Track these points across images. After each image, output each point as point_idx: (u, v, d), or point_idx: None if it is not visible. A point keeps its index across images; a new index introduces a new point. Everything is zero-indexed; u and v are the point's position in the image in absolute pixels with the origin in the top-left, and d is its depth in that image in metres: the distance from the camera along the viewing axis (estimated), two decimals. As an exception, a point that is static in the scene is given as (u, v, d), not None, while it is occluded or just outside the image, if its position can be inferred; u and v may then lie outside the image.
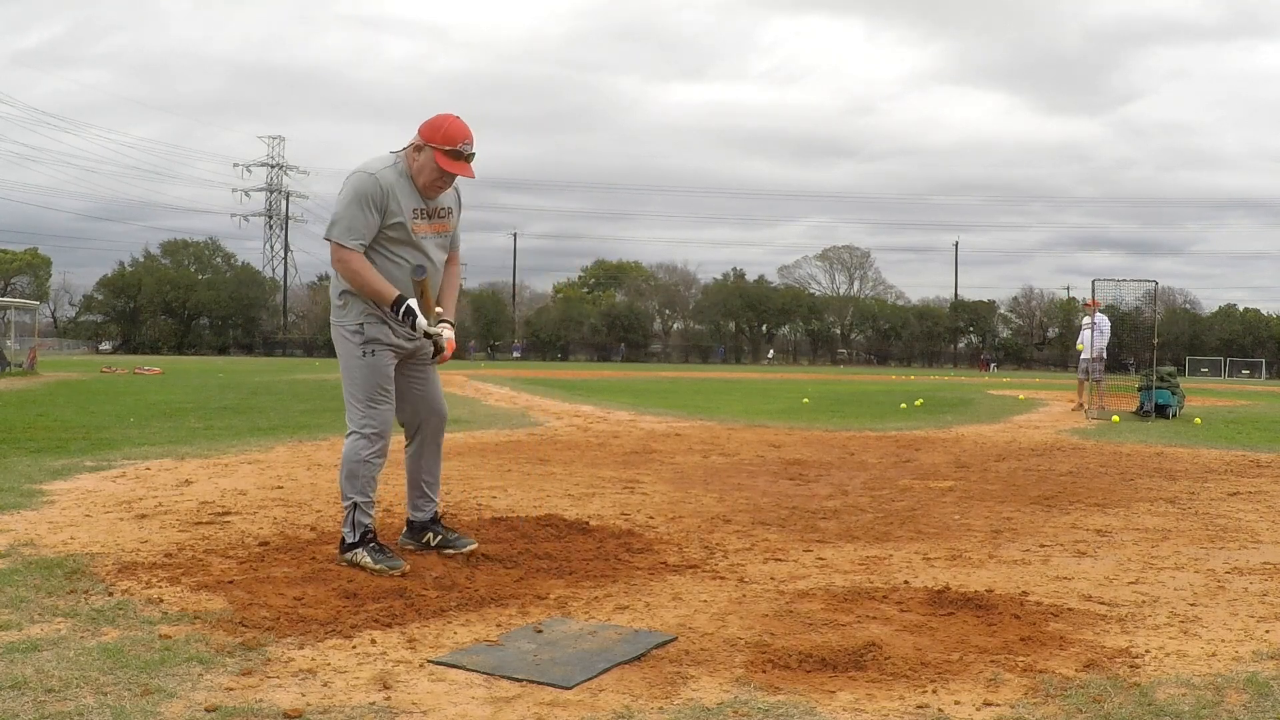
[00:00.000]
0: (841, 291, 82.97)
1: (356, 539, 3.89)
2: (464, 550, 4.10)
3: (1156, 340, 16.58)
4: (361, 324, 3.89)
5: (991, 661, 2.92)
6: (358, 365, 3.90)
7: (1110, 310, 16.82)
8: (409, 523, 4.25)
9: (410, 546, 4.21)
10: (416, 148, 3.86)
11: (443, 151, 3.81)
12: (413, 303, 3.79)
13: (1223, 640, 3.17)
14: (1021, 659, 2.94)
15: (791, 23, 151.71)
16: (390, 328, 3.91)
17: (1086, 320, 15.48)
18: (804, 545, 4.65)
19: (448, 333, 3.94)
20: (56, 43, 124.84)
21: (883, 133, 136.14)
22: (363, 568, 3.80)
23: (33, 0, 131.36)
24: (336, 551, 4.23)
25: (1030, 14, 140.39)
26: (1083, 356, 15.56)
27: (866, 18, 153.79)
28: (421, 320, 3.80)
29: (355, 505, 3.90)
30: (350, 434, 3.94)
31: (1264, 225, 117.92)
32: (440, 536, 4.17)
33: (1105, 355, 15.29)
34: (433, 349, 3.95)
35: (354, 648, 2.98)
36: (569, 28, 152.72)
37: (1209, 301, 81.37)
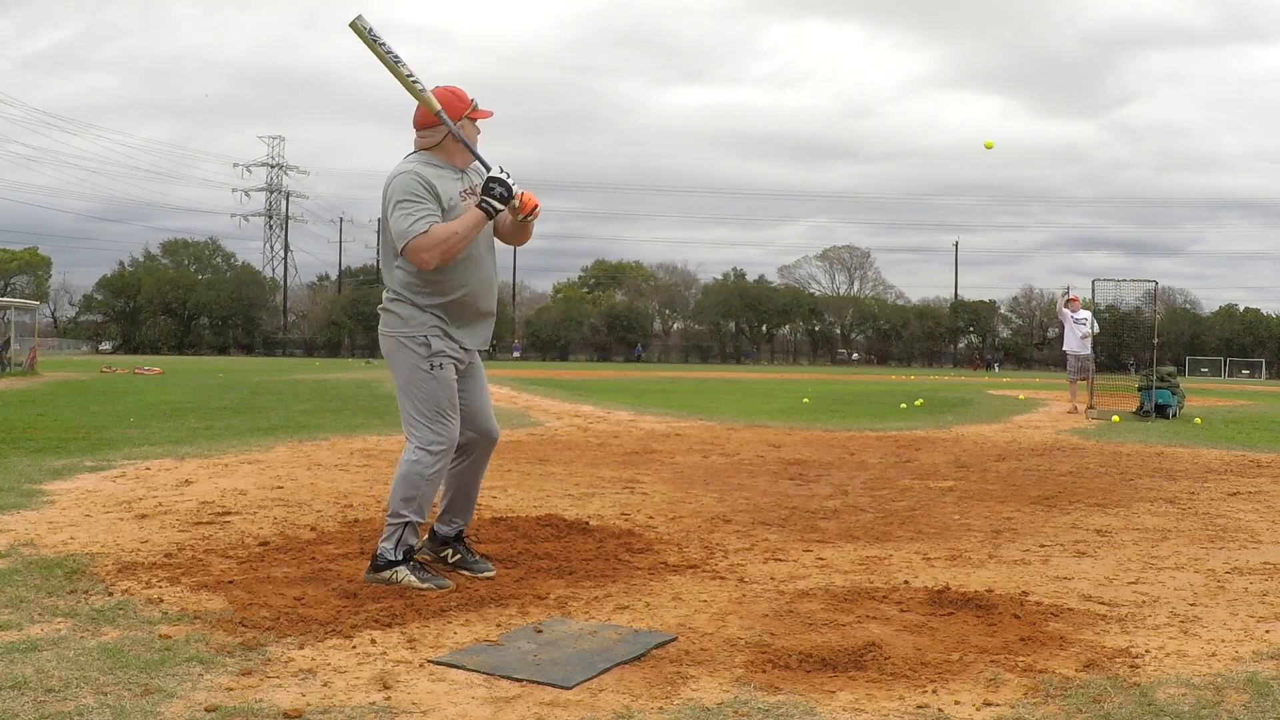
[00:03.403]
0: (841, 291, 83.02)
1: (398, 558, 3.66)
2: (481, 576, 3.85)
3: (1156, 340, 16.54)
4: (427, 336, 3.71)
5: (991, 661, 2.92)
6: (424, 379, 3.70)
7: (1110, 310, 16.76)
8: (431, 533, 4.02)
9: (426, 557, 3.97)
10: (450, 135, 3.75)
11: (473, 112, 3.82)
12: (495, 171, 3.65)
13: (1223, 640, 3.17)
14: (1021, 659, 2.94)
15: (790, 28, 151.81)
16: (454, 340, 3.77)
17: (1078, 316, 15.38)
18: (804, 545, 4.65)
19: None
20: (65, 46, 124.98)
21: (881, 135, 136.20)
22: (404, 587, 3.60)
23: (43, 4, 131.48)
24: (336, 552, 4.23)
25: (1025, 18, 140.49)
26: (1073, 354, 15.51)
27: (864, 23, 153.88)
28: (506, 179, 3.66)
29: (407, 524, 3.68)
30: (415, 449, 3.71)
31: (1261, 226, 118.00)
32: (460, 556, 3.95)
33: (1090, 351, 15.20)
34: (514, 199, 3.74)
35: (354, 648, 2.98)
36: (571, 32, 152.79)
37: (1208, 302, 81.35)
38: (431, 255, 3.60)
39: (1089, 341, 15.10)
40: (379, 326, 3.85)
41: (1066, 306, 15.70)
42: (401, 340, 3.74)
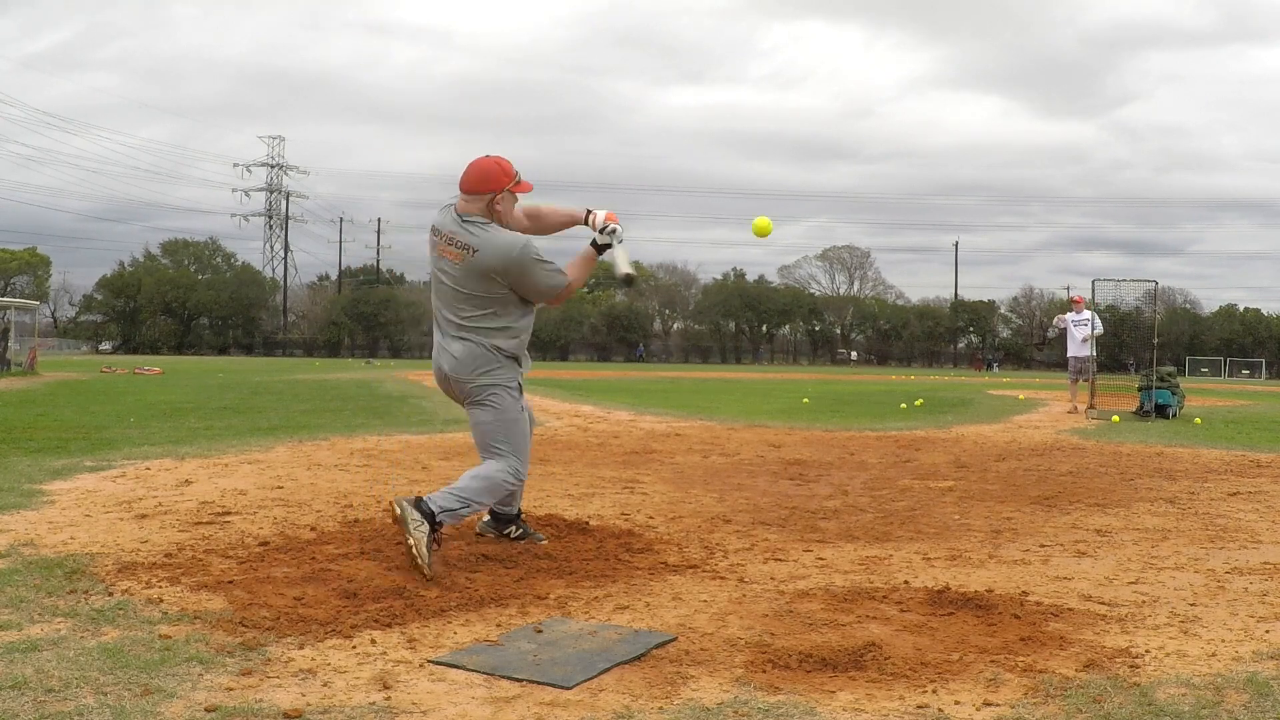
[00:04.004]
0: (841, 291, 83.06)
1: (436, 523, 3.83)
2: (539, 543, 4.42)
3: (1156, 340, 16.53)
4: (519, 382, 4.20)
5: (991, 661, 2.92)
6: (518, 418, 4.18)
7: (1110, 310, 16.74)
8: (494, 514, 4.51)
9: (489, 534, 4.50)
10: (497, 202, 4.09)
11: (515, 185, 4.16)
12: (597, 238, 4.24)
13: (1223, 640, 3.18)
14: (1021, 659, 2.94)
15: (790, 28, 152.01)
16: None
17: (1080, 317, 15.38)
18: (804, 545, 4.65)
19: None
20: (65, 46, 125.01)
21: (881, 135, 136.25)
22: (411, 544, 3.71)
23: (43, 4, 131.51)
24: (336, 552, 4.23)
25: (1025, 18, 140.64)
26: (1073, 356, 15.53)
27: (864, 23, 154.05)
28: (612, 236, 4.28)
29: (468, 509, 4.01)
30: (509, 468, 4.14)
31: (1261, 226, 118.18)
32: (521, 530, 4.51)
33: (1091, 353, 15.22)
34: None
35: (354, 648, 2.98)
36: (571, 32, 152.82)
37: (1208, 302, 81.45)
38: (570, 290, 4.24)
39: (1089, 344, 15.12)
40: (462, 368, 4.12)
41: (1071, 308, 15.72)
42: (499, 389, 4.14)
